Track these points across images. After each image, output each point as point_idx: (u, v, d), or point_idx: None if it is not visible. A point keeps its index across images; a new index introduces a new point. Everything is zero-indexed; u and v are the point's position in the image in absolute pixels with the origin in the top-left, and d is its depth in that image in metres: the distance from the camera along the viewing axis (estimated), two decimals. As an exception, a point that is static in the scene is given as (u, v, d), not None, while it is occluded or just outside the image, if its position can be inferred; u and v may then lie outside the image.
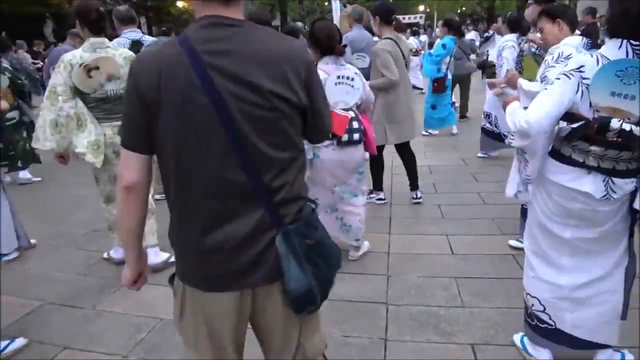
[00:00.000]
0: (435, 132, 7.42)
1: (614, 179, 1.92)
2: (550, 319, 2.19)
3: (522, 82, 3.37)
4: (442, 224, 4.04)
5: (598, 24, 7.89)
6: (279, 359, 1.51)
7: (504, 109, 2.14)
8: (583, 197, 1.95)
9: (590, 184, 1.93)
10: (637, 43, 1.79)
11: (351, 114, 3.11)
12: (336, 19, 13.85)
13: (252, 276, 1.31)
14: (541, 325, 2.22)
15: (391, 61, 4.05)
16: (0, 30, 9.44)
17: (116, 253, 3.51)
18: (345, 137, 3.07)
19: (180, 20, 25.55)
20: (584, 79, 1.81)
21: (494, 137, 5.45)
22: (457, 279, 3.11)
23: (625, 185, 1.93)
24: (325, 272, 1.39)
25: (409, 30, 14.09)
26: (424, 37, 13.47)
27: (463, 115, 8.33)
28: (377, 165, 4.54)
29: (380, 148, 4.41)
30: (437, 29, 9.36)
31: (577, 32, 3.48)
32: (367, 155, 3.32)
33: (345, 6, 15.63)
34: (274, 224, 1.29)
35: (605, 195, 1.92)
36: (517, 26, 5.41)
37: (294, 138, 1.32)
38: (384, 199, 4.60)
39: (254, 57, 1.22)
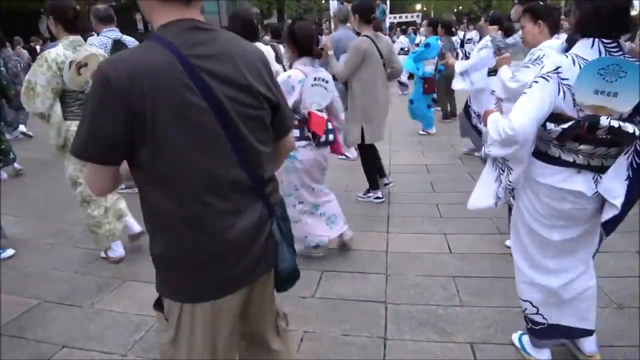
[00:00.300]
0: (433, 131, 7.42)
1: (602, 176, 1.95)
2: (543, 318, 2.22)
3: (503, 70, 3.39)
4: (440, 223, 4.05)
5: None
6: (265, 330, 1.62)
7: (484, 121, 2.12)
8: (573, 197, 1.97)
9: (582, 182, 1.95)
10: (608, 41, 1.82)
11: (325, 115, 3.15)
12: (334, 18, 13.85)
13: (257, 269, 1.38)
14: (536, 327, 2.24)
15: (353, 63, 4.09)
16: None
17: (113, 252, 3.50)
18: (323, 138, 3.14)
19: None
20: (562, 79, 1.83)
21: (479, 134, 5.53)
22: (455, 278, 3.12)
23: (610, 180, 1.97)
24: (294, 248, 1.52)
25: (398, 29, 14.08)
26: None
27: (454, 114, 8.33)
28: (370, 164, 4.56)
29: (370, 147, 4.46)
30: (422, 29, 9.30)
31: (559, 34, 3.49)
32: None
33: (342, 4, 15.65)
34: (269, 215, 1.39)
35: (595, 193, 1.96)
36: (500, 26, 5.41)
37: (269, 133, 1.41)
38: (382, 198, 4.61)
39: (238, 59, 1.28)
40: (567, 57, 1.86)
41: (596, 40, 1.84)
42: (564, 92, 1.83)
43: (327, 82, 3.12)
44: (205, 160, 1.22)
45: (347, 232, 3.55)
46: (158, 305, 1.39)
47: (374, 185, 4.63)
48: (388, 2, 16.64)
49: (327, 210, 3.40)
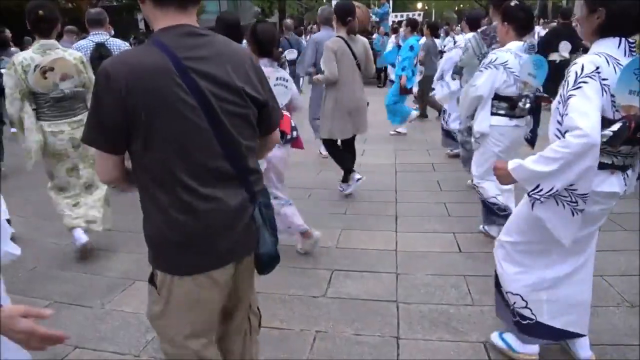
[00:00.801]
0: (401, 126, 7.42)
1: (628, 173, 1.96)
2: (531, 313, 2.19)
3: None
4: (448, 222, 4.04)
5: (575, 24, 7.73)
6: (240, 314, 1.75)
7: (502, 175, 2.01)
8: (605, 198, 1.96)
9: (616, 183, 1.95)
10: (632, 41, 1.83)
11: (287, 113, 3.21)
12: (336, 16, 13.78)
13: (239, 250, 1.53)
14: (523, 321, 2.22)
15: (331, 59, 4.24)
16: (2, 26, 9.39)
17: (74, 241, 3.54)
18: (289, 135, 3.22)
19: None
20: (603, 79, 1.80)
21: (449, 136, 5.70)
22: (466, 276, 3.12)
23: (632, 176, 1.99)
24: (275, 235, 1.63)
25: (382, 30, 13.84)
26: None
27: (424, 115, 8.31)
28: (338, 157, 4.74)
29: (335, 142, 4.64)
30: (402, 30, 9.19)
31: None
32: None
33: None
34: (251, 200, 1.51)
35: (625, 191, 1.97)
36: (477, 25, 5.38)
37: (254, 128, 1.53)
38: (345, 190, 4.75)
39: (227, 61, 1.41)
40: (599, 57, 1.83)
41: (622, 39, 1.83)
42: (605, 92, 1.80)
43: (287, 80, 3.19)
44: (193, 152, 1.37)
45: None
46: (152, 280, 1.54)
47: (344, 179, 4.78)
48: (391, 1, 16.62)
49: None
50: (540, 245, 2.13)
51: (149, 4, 1.41)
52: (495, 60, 3.19)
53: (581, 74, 1.81)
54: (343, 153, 4.74)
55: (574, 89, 1.79)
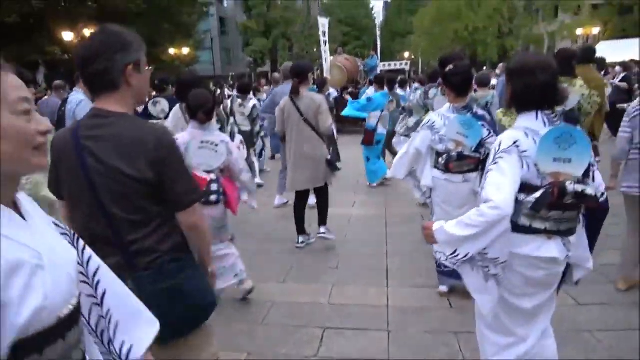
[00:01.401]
0: (374, 184, 7.45)
1: (570, 238, 2.02)
2: None
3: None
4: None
5: None
6: None
7: (430, 237, 2.07)
8: (546, 264, 2.00)
9: (555, 248, 1.99)
10: (548, 112, 1.97)
11: (212, 176, 3.29)
12: (326, 68, 14.18)
13: None
14: None
15: (278, 116, 4.82)
16: None
17: None
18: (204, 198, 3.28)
19: (173, 66, 25.39)
20: (522, 152, 1.92)
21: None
22: (457, 334, 3.13)
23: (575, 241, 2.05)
24: (177, 311, 1.71)
25: (368, 80, 14.10)
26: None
27: None
28: (296, 210, 4.97)
29: (300, 194, 4.90)
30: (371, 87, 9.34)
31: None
32: (228, 211, 3.53)
33: (336, 51, 15.88)
34: (128, 268, 1.64)
35: (566, 256, 2.02)
36: (436, 79, 5.59)
37: (142, 204, 1.66)
38: (301, 245, 4.91)
39: (113, 142, 1.62)
40: (518, 131, 1.96)
41: (538, 112, 1.97)
42: (526, 164, 1.92)
43: (216, 145, 3.28)
44: (82, 214, 1.69)
45: (243, 288, 3.69)
46: None
47: (298, 230, 4.95)
48: (379, 52, 17.19)
49: (216, 264, 3.47)
50: (506, 322, 2.13)
51: None
52: (428, 122, 3.53)
53: (498, 150, 1.94)
54: (302, 212, 4.97)
55: (492, 164, 1.94)
